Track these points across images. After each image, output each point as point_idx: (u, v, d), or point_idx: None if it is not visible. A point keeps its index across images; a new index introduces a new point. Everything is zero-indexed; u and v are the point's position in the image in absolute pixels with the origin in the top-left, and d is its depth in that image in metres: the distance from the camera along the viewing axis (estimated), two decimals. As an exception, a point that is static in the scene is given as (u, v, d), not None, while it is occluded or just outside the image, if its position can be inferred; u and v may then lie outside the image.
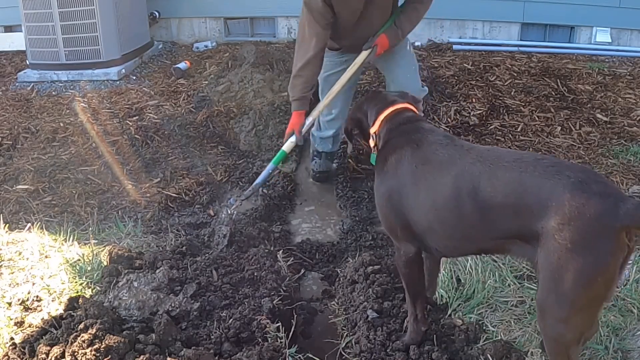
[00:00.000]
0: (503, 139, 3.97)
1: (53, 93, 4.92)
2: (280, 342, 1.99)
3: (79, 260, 2.54)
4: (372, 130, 2.08)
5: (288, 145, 2.98)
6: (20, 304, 2.26)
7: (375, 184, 2.01)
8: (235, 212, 2.93)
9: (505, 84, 4.69)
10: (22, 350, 1.92)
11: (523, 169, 1.60)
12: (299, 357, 1.99)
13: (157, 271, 2.29)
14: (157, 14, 5.90)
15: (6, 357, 1.91)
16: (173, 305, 2.14)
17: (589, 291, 1.51)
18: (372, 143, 2.11)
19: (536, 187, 1.55)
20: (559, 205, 1.49)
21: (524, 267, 2.32)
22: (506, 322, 2.07)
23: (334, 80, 3.07)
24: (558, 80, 4.67)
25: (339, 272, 2.65)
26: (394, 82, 3.20)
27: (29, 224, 2.95)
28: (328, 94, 3.04)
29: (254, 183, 2.99)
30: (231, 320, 2.06)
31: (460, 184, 1.69)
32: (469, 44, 5.59)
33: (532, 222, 1.54)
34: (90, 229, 3.00)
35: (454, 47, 5.52)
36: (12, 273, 2.45)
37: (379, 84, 3.43)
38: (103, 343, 1.81)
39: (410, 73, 3.18)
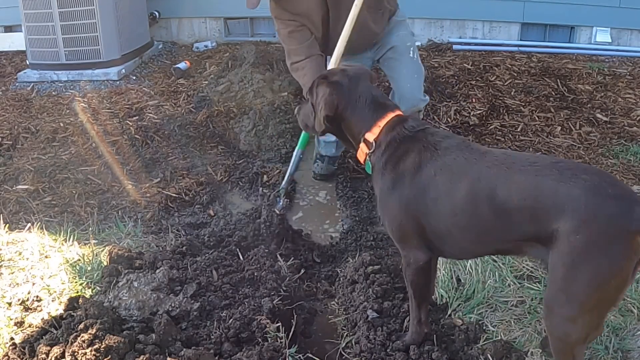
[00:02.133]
0: (503, 139, 3.97)
1: (53, 93, 4.92)
2: (280, 342, 1.99)
3: (79, 260, 2.54)
4: (371, 137, 1.93)
5: None
6: (20, 304, 2.26)
7: (385, 192, 1.90)
8: (284, 208, 2.98)
9: (505, 84, 4.69)
10: (22, 350, 1.93)
11: (539, 172, 1.61)
12: (299, 357, 1.99)
13: (157, 271, 2.29)
14: (157, 14, 5.90)
15: (6, 357, 1.91)
16: (173, 305, 2.14)
17: (600, 293, 1.52)
18: (365, 150, 1.95)
19: (552, 190, 1.57)
20: (574, 208, 1.51)
21: (524, 267, 2.32)
22: (506, 322, 2.08)
23: None
24: (558, 80, 4.67)
25: (339, 272, 2.65)
26: (396, 90, 3.19)
27: (29, 224, 2.95)
28: (337, 47, 2.82)
29: (288, 173, 3.02)
30: (231, 320, 2.06)
31: (478, 188, 1.69)
32: (469, 44, 5.59)
33: (548, 225, 1.55)
34: (90, 229, 3.00)
35: (454, 47, 5.52)
36: (12, 273, 2.45)
37: (379, 83, 3.44)
38: (103, 343, 1.81)
39: (412, 82, 3.12)
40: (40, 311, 2.22)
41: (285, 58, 3.07)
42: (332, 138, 3.43)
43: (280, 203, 2.96)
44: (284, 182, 3.04)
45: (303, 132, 2.97)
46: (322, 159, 3.59)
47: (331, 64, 2.84)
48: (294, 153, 3.02)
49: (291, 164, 3.03)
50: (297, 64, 2.97)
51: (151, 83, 5.07)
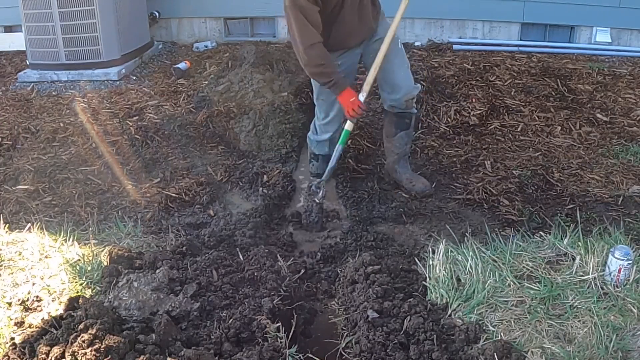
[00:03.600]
0: (503, 139, 3.97)
1: (53, 93, 4.92)
2: (280, 342, 1.99)
3: (79, 260, 2.54)
4: None
5: (349, 124, 3.11)
6: (20, 304, 2.26)
7: None
8: (323, 197, 3.23)
9: (505, 84, 4.69)
10: (22, 350, 1.92)
11: None
12: (299, 357, 1.99)
13: (157, 271, 2.29)
14: (157, 14, 5.90)
15: (6, 357, 1.91)
16: (173, 305, 2.14)
17: None
18: None
19: None
20: None
21: (524, 267, 2.32)
22: (506, 322, 2.07)
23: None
24: (558, 80, 4.67)
25: (339, 272, 2.65)
26: (388, 82, 3.19)
27: (29, 224, 2.95)
28: (373, 66, 3.02)
29: (329, 167, 3.22)
30: (231, 320, 2.06)
31: None
32: (469, 44, 5.59)
33: None
34: (90, 229, 3.00)
35: (454, 47, 5.51)
36: (12, 273, 2.45)
37: (376, 85, 3.44)
38: (103, 343, 1.81)
39: (403, 71, 3.18)
40: (40, 311, 2.22)
41: (298, 36, 2.91)
42: (325, 137, 3.43)
43: (320, 193, 3.20)
44: (324, 175, 3.25)
45: (344, 129, 3.12)
46: (317, 158, 3.59)
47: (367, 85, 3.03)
48: (336, 148, 3.19)
49: (332, 159, 3.21)
50: (316, 44, 2.93)
51: (151, 83, 5.08)
